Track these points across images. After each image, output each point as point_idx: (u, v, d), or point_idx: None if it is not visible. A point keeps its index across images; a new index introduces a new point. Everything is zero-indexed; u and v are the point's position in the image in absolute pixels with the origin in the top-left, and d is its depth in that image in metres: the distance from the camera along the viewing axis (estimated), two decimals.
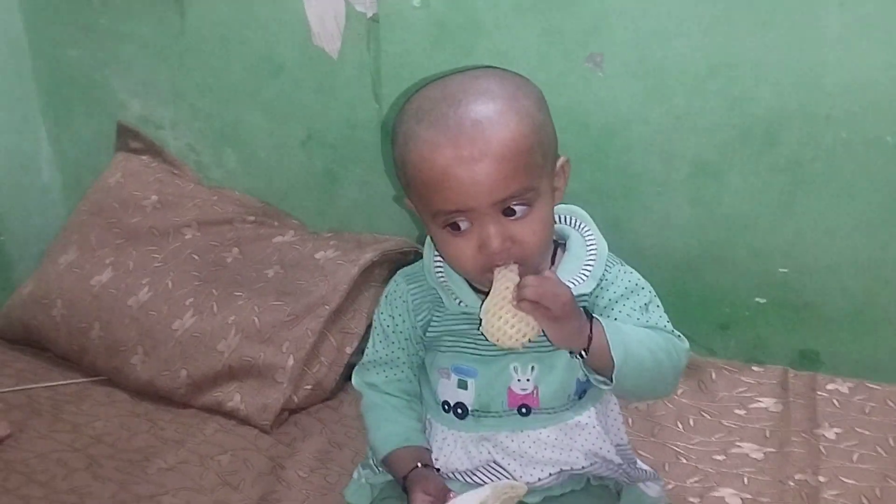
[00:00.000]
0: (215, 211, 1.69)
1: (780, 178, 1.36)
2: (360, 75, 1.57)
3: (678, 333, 1.03)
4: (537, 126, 0.96)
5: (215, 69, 1.69)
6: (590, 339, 0.94)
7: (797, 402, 1.32)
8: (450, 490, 1.01)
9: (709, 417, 1.32)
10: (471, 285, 1.04)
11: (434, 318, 1.07)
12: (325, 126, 1.65)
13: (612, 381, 0.95)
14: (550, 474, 1.03)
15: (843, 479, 1.18)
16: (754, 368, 1.40)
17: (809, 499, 1.16)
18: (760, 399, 1.34)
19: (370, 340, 1.14)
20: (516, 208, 0.94)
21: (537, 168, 0.96)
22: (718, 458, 1.25)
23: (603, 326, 0.96)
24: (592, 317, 0.97)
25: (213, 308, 1.52)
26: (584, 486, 1.06)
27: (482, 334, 0.96)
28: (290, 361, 1.45)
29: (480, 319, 0.95)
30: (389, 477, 1.11)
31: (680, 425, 1.31)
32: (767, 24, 1.28)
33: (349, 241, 1.63)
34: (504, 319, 0.93)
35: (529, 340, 0.94)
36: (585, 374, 1.01)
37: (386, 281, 1.49)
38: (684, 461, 1.24)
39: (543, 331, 0.94)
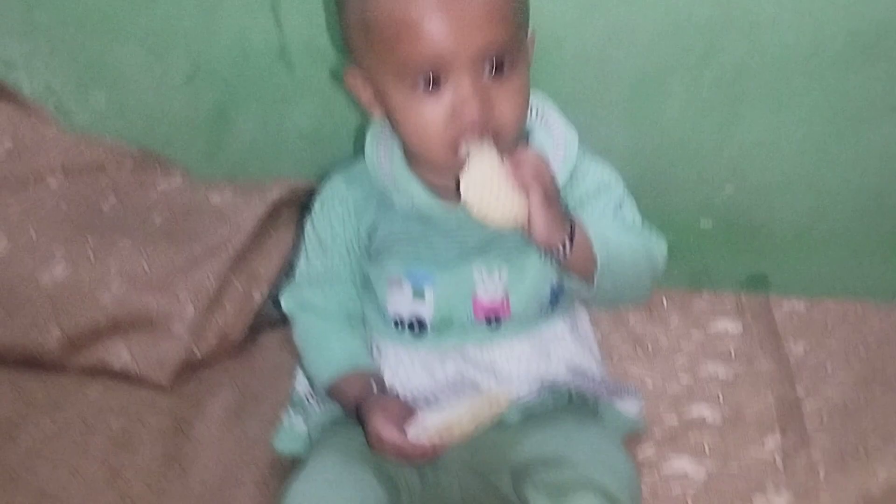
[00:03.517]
0: (84, 157, 1.45)
1: (723, 91, 1.29)
2: None
3: (656, 235, 0.93)
4: None
5: None
6: (572, 231, 0.81)
7: (756, 322, 1.24)
8: (414, 410, 0.84)
9: (666, 341, 1.22)
10: (418, 177, 0.89)
11: (380, 219, 0.91)
12: (214, 57, 1.45)
13: (593, 280, 0.82)
14: (530, 388, 0.89)
15: (822, 389, 1.10)
16: (704, 294, 1.31)
17: (793, 411, 1.07)
18: (717, 320, 1.25)
19: (302, 255, 0.96)
20: (502, 65, 0.80)
21: (522, 21, 0.83)
22: (685, 379, 1.14)
23: (583, 224, 0.83)
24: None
25: (89, 257, 1.29)
26: (566, 404, 0.92)
27: (440, 235, 0.82)
28: (190, 309, 1.24)
29: (459, 188, 0.79)
30: (330, 415, 0.93)
31: (639, 350, 1.20)
32: None
33: (249, 185, 1.44)
34: (494, 193, 0.78)
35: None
36: (559, 277, 0.87)
37: (298, 222, 1.32)
38: (650, 384, 1.13)
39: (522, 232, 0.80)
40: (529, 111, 0.89)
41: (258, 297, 1.30)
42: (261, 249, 1.33)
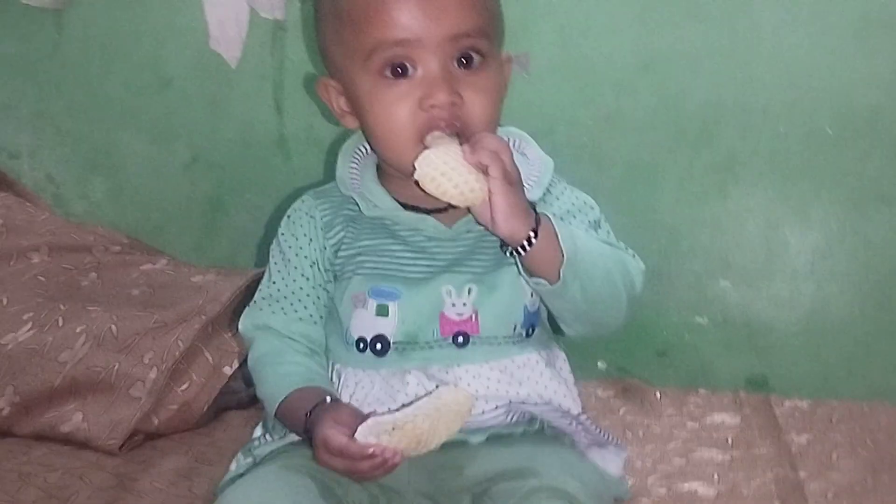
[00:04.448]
0: (72, 239, 1.44)
1: (716, 178, 1.28)
2: (261, 86, 1.44)
3: (633, 253, 0.87)
4: None
5: (90, 86, 1.51)
6: (537, 223, 0.77)
7: (756, 414, 1.16)
8: (368, 415, 0.76)
9: (659, 430, 1.13)
10: (389, 192, 0.87)
11: (347, 236, 0.87)
12: (214, 145, 1.48)
13: (558, 277, 0.76)
14: (497, 406, 0.81)
15: (826, 474, 1.00)
16: (702, 391, 1.23)
17: (795, 491, 0.97)
18: (714, 414, 1.16)
19: (266, 274, 0.92)
20: (472, 55, 0.80)
21: (494, 23, 0.83)
22: (679, 460, 1.05)
23: (550, 216, 0.79)
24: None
25: (58, 322, 1.24)
26: (536, 430, 0.83)
27: (408, 251, 0.80)
28: (153, 374, 1.17)
29: (414, 168, 0.77)
30: (281, 443, 0.85)
31: (629, 434, 1.10)
32: (699, 16, 1.25)
33: (233, 270, 1.40)
34: (451, 166, 0.75)
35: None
36: (532, 299, 0.83)
37: None
38: (640, 464, 1.03)
39: (481, 221, 0.77)
40: (505, 139, 0.87)
41: (228, 371, 1.23)
42: (236, 324, 1.27)
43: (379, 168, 0.89)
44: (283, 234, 0.90)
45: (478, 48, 0.81)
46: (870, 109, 1.21)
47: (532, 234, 0.76)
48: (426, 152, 0.76)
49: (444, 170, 0.75)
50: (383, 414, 0.75)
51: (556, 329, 0.89)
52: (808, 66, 1.22)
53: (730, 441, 1.09)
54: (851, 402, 1.18)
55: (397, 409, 0.77)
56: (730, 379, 1.28)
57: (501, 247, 0.80)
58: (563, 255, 0.76)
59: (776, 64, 1.23)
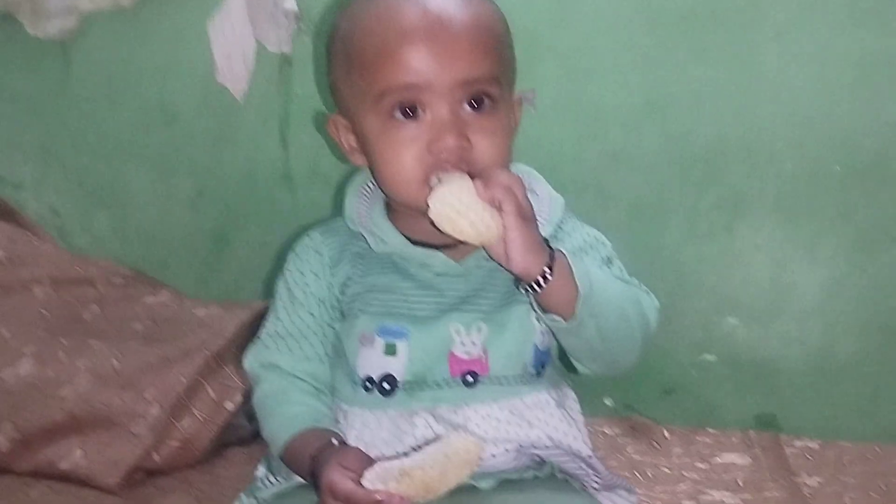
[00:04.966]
0: (75, 272, 1.43)
1: (723, 216, 1.27)
2: (267, 121, 1.43)
3: (646, 289, 0.87)
4: (507, 27, 0.85)
5: (97, 121, 1.50)
6: (552, 259, 0.76)
7: (766, 455, 1.14)
8: (375, 460, 0.75)
9: (668, 471, 1.12)
10: (398, 229, 0.86)
11: (355, 273, 0.87)
12: (219, 180, 1.47)
13: (573, 315, 0.76)
14: (507, 450, 0.80)
15: None
16: (710, 430, 1.21)
17: None
18: (723, 454, 1.15)
19: (271, 311, 0.91)
20: (483, 98, 0.80)
21: (505, 67, 0.83)
22: (689, 503, 1.03)
23: (564, 252, 0.78)
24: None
25: (59, 356, 1.23)
26: (547, 476, 0.82)
27: (417, 289, 0.79)
28: (155, 410, 1.16)
29: (428, 206, 0.76)
30: (286, 486, 0.83)
31: (637, 475, 1.09)
32: (704, 56, 1.25)
33: (237, 303, 1.40)
34: (465, 203, 0.74)
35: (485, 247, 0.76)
36: (544, 338, 0.81)
37: None
38: None
39: (496, 258, 0.76)
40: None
41: (230, 407, 1.22)
42: (240, 359, 1.26)
43: (387, 204, 0.89)
44: (289, 271, 0.89)
45: (488, 92, 0.80)
46: (876, 148, 1.20)
47: (547, 269, 0.75)
48: (439, 189, 0.76)
49: (458, 207, 0.74)
50: (391, 459, 0.73)
51: (568, 367, 0.88)
52: (814, 106, 1.22)
53: (740, 483, 1.08)
54: (862, 444, 1.16)
55: (405, 453, 0.76)
56: (738, 418, 1.27)
57: (515, 283, 0.79)
58: (578, 292, 0.75)
59: (781, 104, 1.23)
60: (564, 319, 0.77)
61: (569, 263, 0.76)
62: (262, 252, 1.45)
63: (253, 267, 1.46)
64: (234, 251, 1.47)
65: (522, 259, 0.74)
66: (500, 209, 0.74)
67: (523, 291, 0.78)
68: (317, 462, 0.76)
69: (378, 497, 0.69)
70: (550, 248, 0.77)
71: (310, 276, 0.87)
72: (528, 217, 0.75)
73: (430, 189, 0.77)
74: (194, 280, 1.49)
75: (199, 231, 1.48)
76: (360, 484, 0.71)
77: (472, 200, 0.74)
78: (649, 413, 1.29)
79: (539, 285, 0.75)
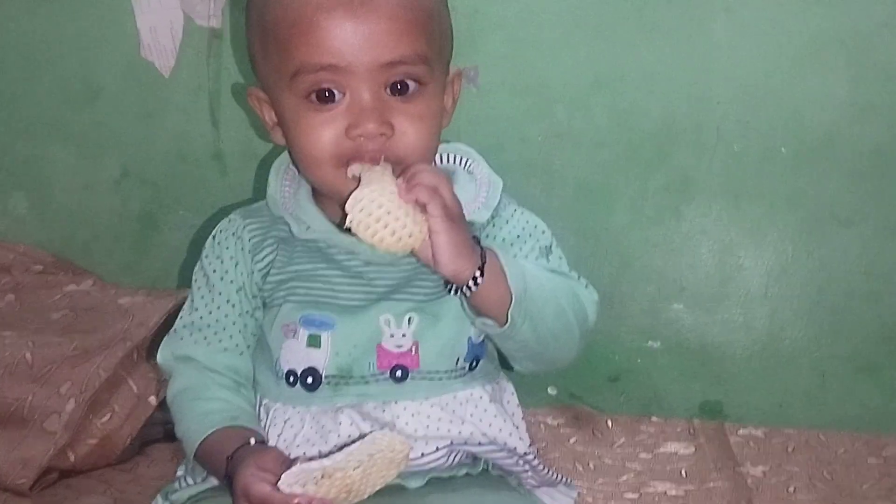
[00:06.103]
0: None
1: (670, 198, 1.24)
2: (196, 97, 1.36)
3: (585, 282, 0.83)
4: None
5: (14, 97, 1.42)
6: (482, 260, 0.71)
7: (710, 444, 1.11)
8: (294, 460, 0.70)
9: (610, 462, 1.08)
10: (324, 213, 0.81)
11: (278, 260, 0.81)
12: (146, 159, 1.40)
13: (507, 319, 0.71)
14: (438, 448, 0.75)
15: None
16: (654, 419, 1.18)
17: None
18: (667, 444, 1.12)
19: (188, 300, 0.85)
20: (408, 83, 0.74)
21: (437, 45, 0.78)
22: (631, 496, 1.00)
23: (496, 252, 0.73)
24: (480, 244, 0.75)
25: None
26: (480, 473, 0.77)
27: (344, 277, 0.73)
28: (70, 405, 1.09)
29: (345, 215, 0.71)
30: (203, 487, 0.77)
31: (579, 467, 1.05)
32: (654, 33, 1.22)
33: (164, 291, 1.33)
34: (386, 209, 0.69)
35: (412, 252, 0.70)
36: (474, 322, 0.77)
37: None
38: (590, 500, 0.98)
39: (423, 262, 0.72)
40: (452, 157, 0.81)
41: (153, 401, 1.15)
42: None
43: (314, 187, 0.83)
44: (207, 257, 0.83)
45: (414, 75, 0.75)
46: (825, 129, 1.18)
47: (478, 272, 0.70)
48: (356, 193, 0.70)
49: (378, 214, 0.69)
50: (311, 459, 0.68)
51: (504, 364, 0.84)
52: (764, 85, 1.19)
53: (684, 474, 1.05)
54: (808, 431, 1.15)
55: (329, 452, 0.71)
56: (683, 405, 1.24)
57: (446, 285, 0.74)
58: (511, 295, 0.70)
59: (731, 82, 1.20)
60: (498, 322, 0.72)
61: (501, 264, 0.71)
62: (191, 235, 1.39)
63: (182, 251, 1.40)
64: (163, 235, 1.40)
65: (451, 263, 0.69)
66: (424, 211, 0.69)
67: (453, 294, 0.73)
68: (232, 463, 0.71)
69: (295, 501, 0.64)
70: (482, 247, 0.72)
71: (229, 261, 0.82)
72: (455, 218, 0.70)
73: (348, 178, 0.72)
74: (120, 266, 1.42)
75: (125, 214, 1.41)
76: (277, 487, 0.66)
77: (394, 206, 0.69)
78: (594, 401, 1.26)
79: (469, 288, 0.70)
